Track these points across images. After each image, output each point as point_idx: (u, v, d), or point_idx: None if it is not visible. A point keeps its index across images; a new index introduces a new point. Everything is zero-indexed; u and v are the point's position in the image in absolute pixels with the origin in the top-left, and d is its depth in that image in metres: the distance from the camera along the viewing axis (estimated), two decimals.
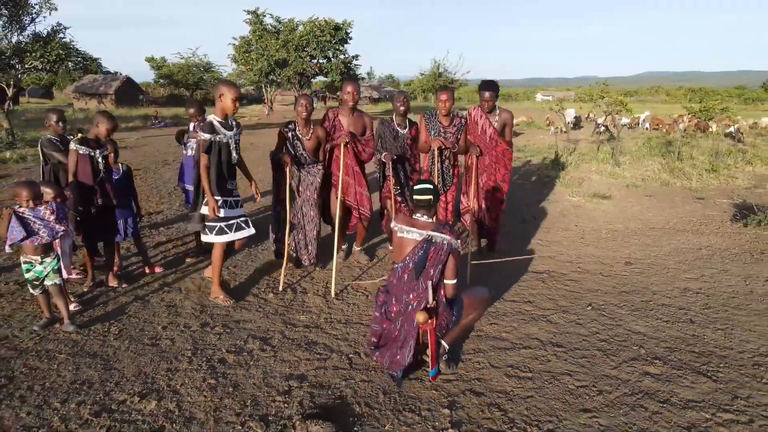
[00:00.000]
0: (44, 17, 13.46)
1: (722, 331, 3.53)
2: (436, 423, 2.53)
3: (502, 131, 4.72)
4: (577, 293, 4.22)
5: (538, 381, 2.90)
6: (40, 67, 13.68)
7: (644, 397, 2.74)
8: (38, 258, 3.35)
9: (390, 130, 4.57)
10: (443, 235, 2.74)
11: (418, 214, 2.85)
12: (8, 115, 14.22)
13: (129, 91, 42.10)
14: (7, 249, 3.33)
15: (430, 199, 2.82)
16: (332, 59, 27.65)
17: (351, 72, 27.93)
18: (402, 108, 4.57)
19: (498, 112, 4.68)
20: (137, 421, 2.52)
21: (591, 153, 12.68)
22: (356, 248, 4.90)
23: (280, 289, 4.22)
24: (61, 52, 13.50)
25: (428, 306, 2.74)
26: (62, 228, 3.37)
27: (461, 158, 4.99)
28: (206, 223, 3.81)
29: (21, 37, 13.86)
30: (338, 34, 27.03)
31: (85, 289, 4.05)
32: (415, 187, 2.89)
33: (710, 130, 17.03)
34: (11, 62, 14.23)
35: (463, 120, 4.65)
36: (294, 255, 4.53)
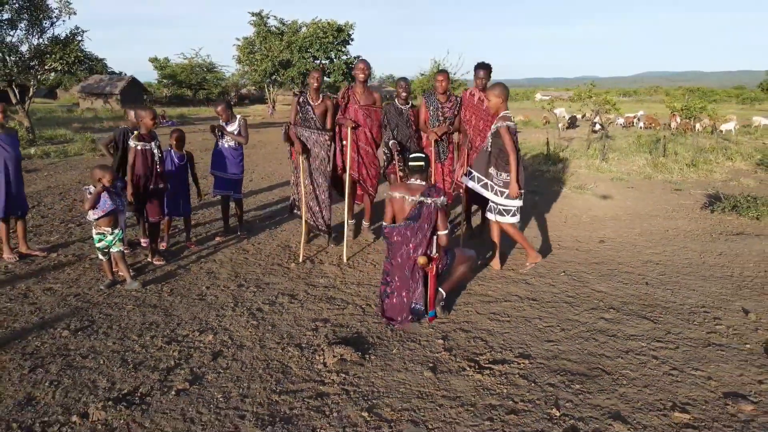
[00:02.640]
0: (63, 21, 14.15)
1: (670, 291, 4.25)
2: (432, 349, 3.25)
3: None
4: (553, 263, 4.94)
5: (514, 323, 3.63)
6: (59, 69, 14.39)
7: (597, 333, 3.47)
8: (110, 229, 4.07)
9: (394, 108, 5.33)
10: (432, 198, 3.49)
11: (413, 179, 3.58)
12: (28, 113, 14.95)
13: (133, 91, 42.82)
14: (92, 217, 4.03)
15: (422, 165, 3.58)
16: (335, 60, 28.35)
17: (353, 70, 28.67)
18: (404, 94, 5.33)
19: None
20: (200, 348, 3.25)
21: (582, 150, 13.42)
22: (365, 224, 5.65)
23: (300, 260, 4.94)
24: (79, 54, 14.23)
25: (429, 254, 3.48)
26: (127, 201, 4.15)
27: (455, 136, 5.66)
28: (505, 207, 4.51)
29: (41, 40, 14.59)
30: (340, 35, 27.74)
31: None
32: (411, 156, 3.65)
33: (697, 128, 17.73)
34: (31, 64, 14.96)
35: (458, 98, 5.40)
36: (312, 224, 5.21)
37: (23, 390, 2.78)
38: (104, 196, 3.94)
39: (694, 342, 3.34)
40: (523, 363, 3.06)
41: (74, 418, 2.53)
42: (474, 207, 6.04)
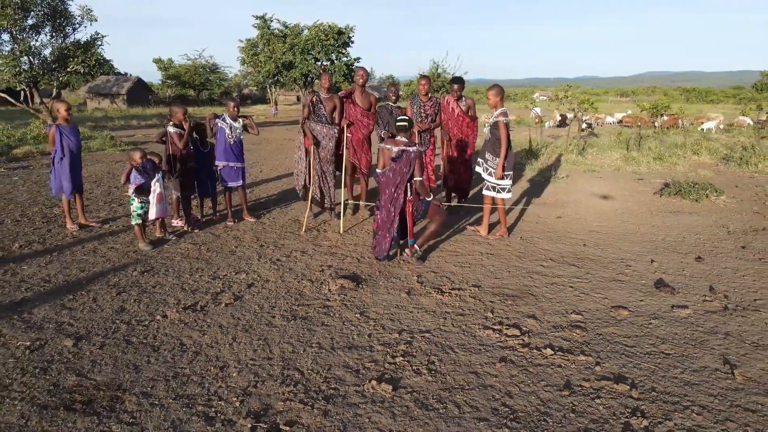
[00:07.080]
0: (85, 27, 15.30)
1: (601, 249, 5.39)
2: (408, 282, 4.40)
3: (467, 111, 6.59)
4: (514, 232, 6.08)
5: (472, 268, 4.77)
6: (81, 71, 15.55)
7: (533, 273, 4.61)
8: (146, 198, 5.22)
9: (386, 110, 6.48)
10: (411, 147, 4.62)
11: (399, 136, 4.71)
12: (51, 113, 16.11)
13: (139, 91, 44.03)
14: (130, 190, 5.16)
15: (406, 124, 4.69)
16: (335, 62, 29.51)
17: (353, 74, 29.82)
18: (393, 97, 6.49)
19: (465, 99, 6.58)
20: (237, 282, 4.40)
21: (564, 145, 14.54)
22: (361, 203, 6.79)
23: (303, 231, 6.06)
24: (99, 57, 15.40)
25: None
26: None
27: (436, 131, 6.82)
28: (500, 185, 5.52)
29: (63, 44, 15.75)
30: (341, 38, 28.90)
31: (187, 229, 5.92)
32: (398, 118, 4.76)
33: (677, 125, 18.86)
34: (53, 66, 16.12)
35: (438, 100, 6.56)
36: (318, 200, 6.33)
37: (116, 304, 3.92)
38: (134, 173, 5.08)
39: (604, 279, 4.49)
40: (474, 290, 4.21)
41: (158, 317, 3.67)
42: (452, 194, 7.20)
